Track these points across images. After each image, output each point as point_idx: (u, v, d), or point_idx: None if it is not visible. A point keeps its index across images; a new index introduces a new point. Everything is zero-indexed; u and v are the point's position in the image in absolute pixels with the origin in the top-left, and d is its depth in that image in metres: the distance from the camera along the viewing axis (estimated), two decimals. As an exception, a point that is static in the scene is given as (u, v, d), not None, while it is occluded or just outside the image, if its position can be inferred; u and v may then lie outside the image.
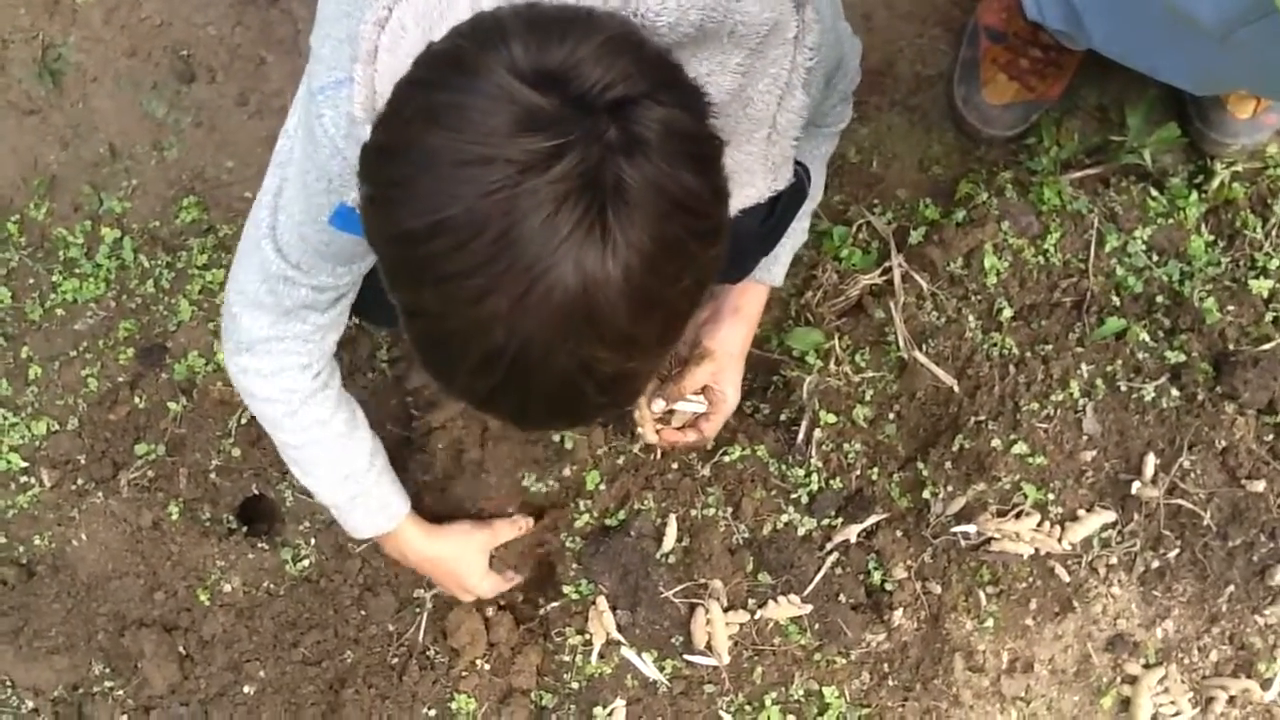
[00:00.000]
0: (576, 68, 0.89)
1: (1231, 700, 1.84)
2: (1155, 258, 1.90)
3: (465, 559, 1.81)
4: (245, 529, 1.94)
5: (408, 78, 0.96)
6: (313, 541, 1.92)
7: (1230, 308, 1.86)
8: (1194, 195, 1.92)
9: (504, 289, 0.88)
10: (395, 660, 1.89)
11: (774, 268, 1.69)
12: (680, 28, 1.08)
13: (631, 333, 0.92)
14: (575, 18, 0.93)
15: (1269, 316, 1.86)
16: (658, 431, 1.71)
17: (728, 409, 1.71)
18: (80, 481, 1.93)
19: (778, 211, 1.43)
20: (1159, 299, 1.88)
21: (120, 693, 1.92)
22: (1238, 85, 1.68)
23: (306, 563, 1.91)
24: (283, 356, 1.48)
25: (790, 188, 1.42)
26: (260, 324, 1.44)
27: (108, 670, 1.92)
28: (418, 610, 1.90)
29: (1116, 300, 1.88)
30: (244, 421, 1.90)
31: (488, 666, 1.89)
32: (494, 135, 0.87)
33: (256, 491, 1.93)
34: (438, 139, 0.89)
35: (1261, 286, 1.87)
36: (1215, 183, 1.92)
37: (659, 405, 1.69)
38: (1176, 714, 1.84)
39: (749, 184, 1.25)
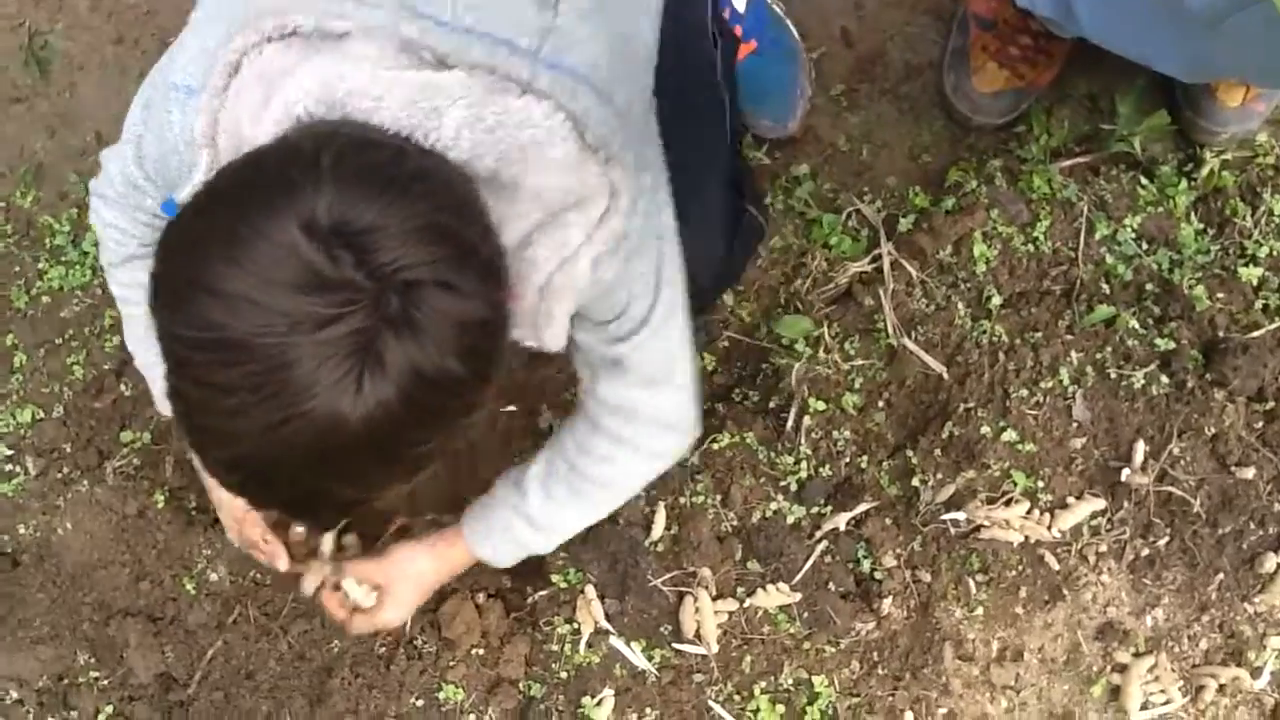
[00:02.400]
0: (378, 241, 0.91)
1: (1221, 689, 1.83)
2: (1145, 246, 1.90)
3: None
4: (232, 518, 1.93)
5: (219, 182, 0.99)
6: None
7: (1220, 295, 1.86)
8: (1183, 183, 1.92)
9: (258, 414, 0.92)
10: (383, 650, 1.88)
11: (474, 525, 1.61)
12: (473, 166, 1.07)
13: (368, 475, 1.00)
14: (399, 180, 0.95)
15: (1258, 304, 1.86)
16: (319, 588, 1.71)
17: (382, 620, 1.68)
18: (66, 470, 1.92)
19: (738, 255, 1.43)
20: (1149, 287, 1.87)
21: (105, 682, 1.91)
22: (1228, 73, 1.68)
23: (293, 552, 1.90)
24: (131, 225, 1.45)
25: (745, 232, 1.44)
26: (121, 167, 1.37)
27: (93, 660, 1.91)
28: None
29: (1106, 288, 1.87)
30: (230, 409, 1.88)
31: (478, 655, 1.88)
32: (274, 286, 0.89)
33: (243, 480, 1.92)
34: (226, 267, 0.91)
35: (1251, 274, 1.87)
36: (1205, 171, 1.92)
37: (328, 568, 1.69)
38: (1166, 702, 1.83)
39: (515, 325, 1.23)
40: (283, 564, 1.72)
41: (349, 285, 0.89)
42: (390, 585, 1.68)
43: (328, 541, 1.72)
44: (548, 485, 1.53)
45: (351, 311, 0.89)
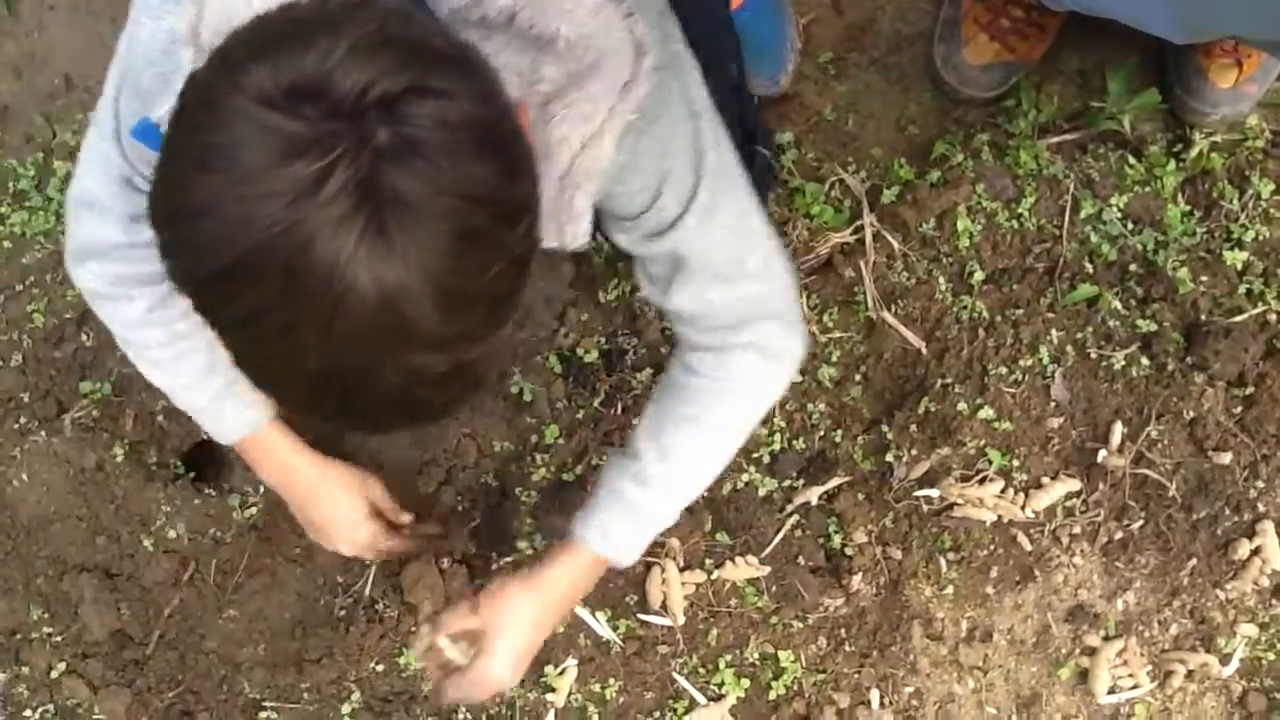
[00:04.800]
0: (329, 75, 0.83)
1: (1190, 674, 1.82)
2: (1130, 226, 1.87)
3: (350, 499, 1.63)
4: (192, 475, 1.89)
5: (175, 113, 0.91)
6: (260, 489, 1.86)
7: (1204, 278, 1.83)
8: (1172, 164, 1.89)
9: (306, 319, 0.85)
10: (342, 612, 1.85)
11: (587, 519, 1.39)
12: (483, 9, 1.00)
13: (450, 332, 0.88)
14: (316, 20, 0.87)
15: (1242, 288, 1.84)
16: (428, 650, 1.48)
17: (473, 676, 1.41)
18: (23, 420, 1.87)
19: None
20: (1132, 267, 1.85)
21: (59, 639, 1.87)
22: (1222, 26, 1.64)
23: (254, 510, 1.86)
24: (140, 264, 1.36)
25: (757, 174, 1.34)
26: (108, 230, 1.34)
27: (46, 615, 1.87)
28: (367, 562, 1.85)
29: (1090, 267, 1.84)
30: (193, 362, 1.84)
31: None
32: (255, 172, 0.82)
33: (205, 437, 1.88)
34: (205, 184, 0.84)
35: (1236, 258, 1.84)
36: (1194, 152, 1.89)
37: (425, 629, 1.47)
38: (1134, 687, 1.81)
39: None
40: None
41: (325, 133, 0.82)
42: (488, 633, 1.41)
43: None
44: (659, 436, 1.34)
45: (339, 156, 0.81)
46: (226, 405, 1.51)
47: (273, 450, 1.58)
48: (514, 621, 1.41)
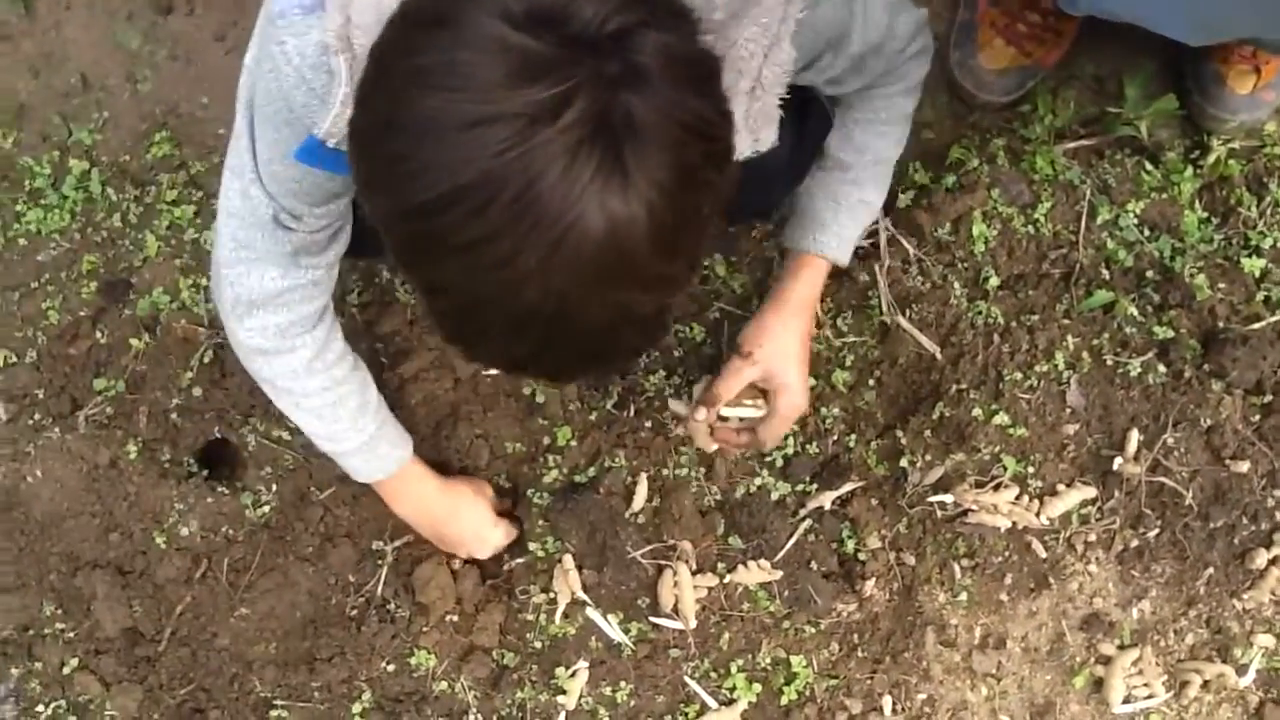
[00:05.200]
0: (570, 4, 0.85)
1: (1206, 685, 1.80)
2: (1147, 232, 1.86)
3: (478, 508, 1.76)
4: (206, 473, 1.89)
5: (383, 42, 0.91)
6: (274, 488, 1.86)
7: (1221, 285, 1.82)
8: (1189, 170, 1.88)
9: (531, 247, 0.84)
10: (354, 612, 1.85)
11: (822, 236, 1.55)
12: None
13: (663, 270, 0.90)
14: None
15: (1260, 295, 1.82)
16: (711, 432, 1.61)
17: (785, 412, 1.56)
18: (37, 416, 1.88)
19: (807, 145, 1.41)
20: (1149, 274, 1.84)
21: (71, 635, 1.87)
22: (1237, 29, 1.63)
23: (267, 509, 1.86)
24: (299, 306, 1.39)
25: (816, 121, 1.40)
26: (270, 276, 1.35)
27: (59, 611, 1.87)
28: (379, 562, 1.85)
29: (1106, 273, 1.84)
30: (206, 361, 1.84)
31: (451, 621, 1.85)
32: (494, 89, 0.82)
33: (219, 435, 1.88)
34: (434, 102, 0.84)
35: (1254, 265, 1.83)
36: (1211, 158, 1.88)
37: (701, 413, 1.56)
38: (1149, 697, 1.80)
39: None
40: (707, 446, 1.66)
41: (565, 59, 0.82)
42: (775, 371, 1.54)
43: (680, 405, 1.66)
44: (854, 142, 1.48)
45: (578, 84, 0.82)
46: (379, 445, 1.59)
47: (411, 482, 1.67)
48: (791, 348, 1.55)
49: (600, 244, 0.84)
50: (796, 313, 1.56)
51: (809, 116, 1.45)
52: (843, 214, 1.55)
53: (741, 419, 1.58)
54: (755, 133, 1.16)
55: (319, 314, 1.44)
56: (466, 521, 1.75)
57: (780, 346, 1.55)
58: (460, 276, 0.89)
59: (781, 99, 1.17)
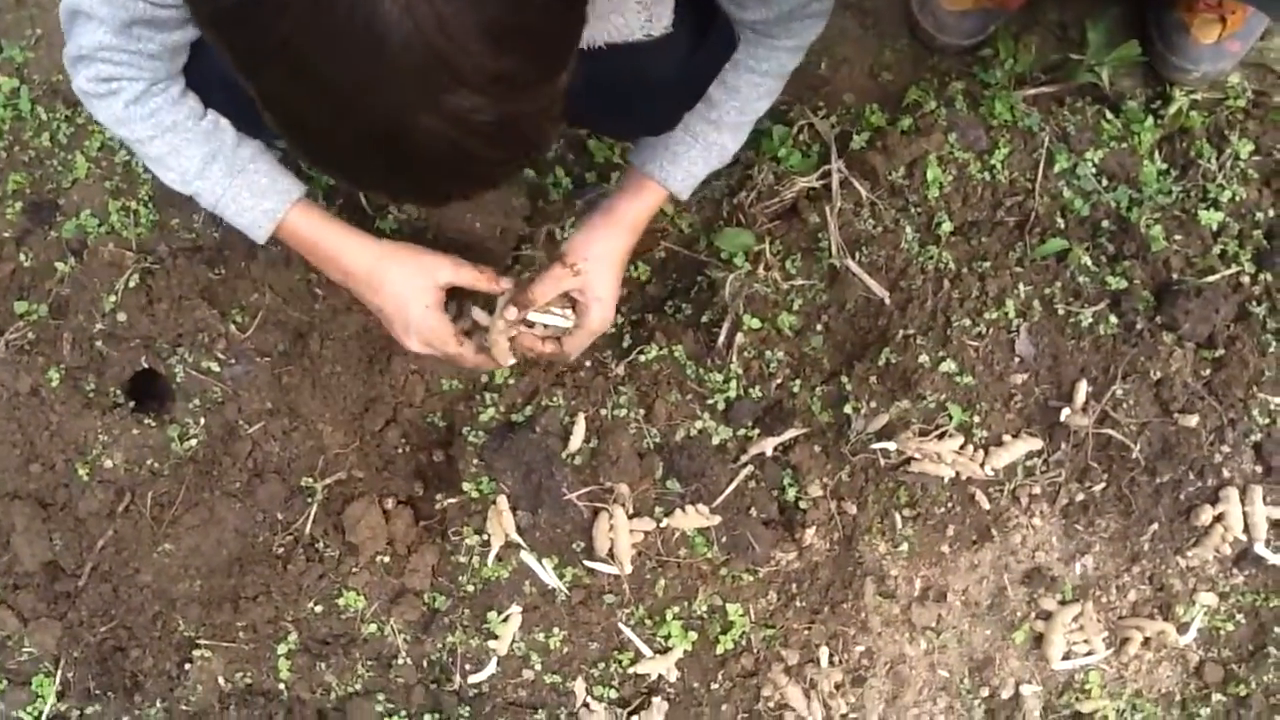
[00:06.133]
0: None
1: (1146, 642, 1.78)
2: (1105, 182, 1.82)
3: (411, 280, 1.51)
4: (132, 404, 1.83)
5: None
6: (202, 421, 1.81)
7: (1177, 237, 1.79)
8: (1150, 120, 1.84)
9: (337, 54, 0.80)
10: (281, 550, 1.80)
11: (669, 166, 1.53)
12: None
13: (496, 69, 0.84)
14: None
15: (1216, 249, 1.79)
16: (512, 339, 1.56)
17: (594, 325, 1.56)
18: (-44, 341, 1.81)
19: (697, 57, 1.34)
20: (1105, 224, 1.80)
21: (-12, 568, 1.81)
22: None
23: (194, 442, 1.80)
24: (122, 67, 1.35)
25: (720, 37, 1.33)
26: (99, 33, 1.31)
27: (-24, 543, 1.81)
28: (309, 500, 1.80)
29: (1061, 222, 1.80)
30: (131, 285, 1.78)
31: (382, 562, 1.80)
32: None
33: (146, 365, 1.82)
34: None
35: (1211, 218, 1.80)
36: (1173, 109, 1.84)
37: (512, 313, 1.53)
38: (1089, 653, 1.77)
39: (617, 11, 1.16)
40: (503, 356, 1.57)
41: None
42: (590, 283, 1.53)
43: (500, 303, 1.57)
44: (728, 81, 1.45)
45: None
46: (241, 193, 1.45)
47: (319, 236, 1.50)
48: (612, 264, 1.54)
49: (409, 43, 0.80)
50: (625, 232, 1.56)
51: (711, 33, 1.41)
52: (695, 150, 1.52)
53: (547, 326, 1.56)
54: (647, 9, 1.13)
55: (152, 83, 1.38)
56: (391, 291, 1.52)
57: (603, 261, 1.54)
58: (280, 93, 0.86)
59: None
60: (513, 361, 1.59)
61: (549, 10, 0.87)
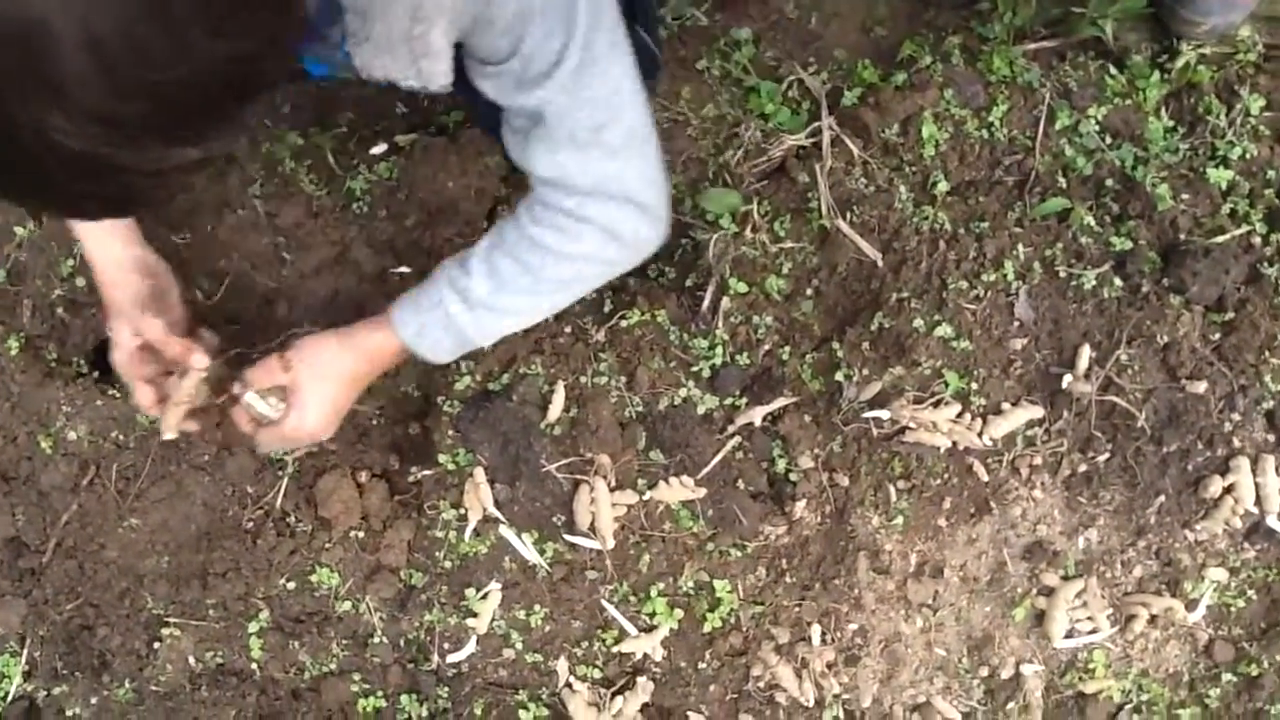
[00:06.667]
0: None
1: (1153, 620, 1.70)
2: (1109, 139, 1.74)
3: (106, 278, 1.47)
4: (95, 374, 1.76)
5: None
6: (170, 392, 1.74)
7: (1185, 196, 1.71)
8: (1156, 75, 1.76)
9: None
10: (251, 524, 1.73)
11: (408, 315, 1.37)
12: None
13: (94, 100, 0.76)
14: None
15: (1225, 208, 1.71)
16: (223, 406, 1.47)
17: (286, 430, 1.44)
18: (-87, 310, 1.75)
19: None
20: (1109, 183, 1.72)
21: (-50, 544, 1.75)
22: None
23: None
24: None
25: None
26: None
27: (-63, 519, 1.75)
28: (279, 473, 1.73)
29: (1063, 181, 1.72)
30: (93, 249, 1.71)
31: (357, 538, 1.73)
32: None
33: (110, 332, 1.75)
34: None
35: (1220, 176, 1.72)
36: (1180, 63, 1.76)
37: (204, 362, 1.44)
38: (1093, 631, 1.70)
39: (387, 54, 1.10)
40: (167, 428, 1.47)
41: None
42: (298, 385, 1.43)
43: (191, 375, 1.45)
44: (492, 258, 1.33)
45: None
46: None
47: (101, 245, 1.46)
48: (326, 374, 1.44)
49: (8, 31, 0.72)
50: (354, 355, 1.44)
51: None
52: (436, 315, 1.37)
53: (253, 410, 1.46)
54: (416, 62, 1.07)
55: None
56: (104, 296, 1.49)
57: (319, 371, 1.43)
58: None
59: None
60: (171, 436, 1.50)
61: (184, 84, 0.78)
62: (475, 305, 1.35)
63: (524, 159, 1.26)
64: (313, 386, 1.43)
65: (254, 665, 1.76)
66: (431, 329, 1.38)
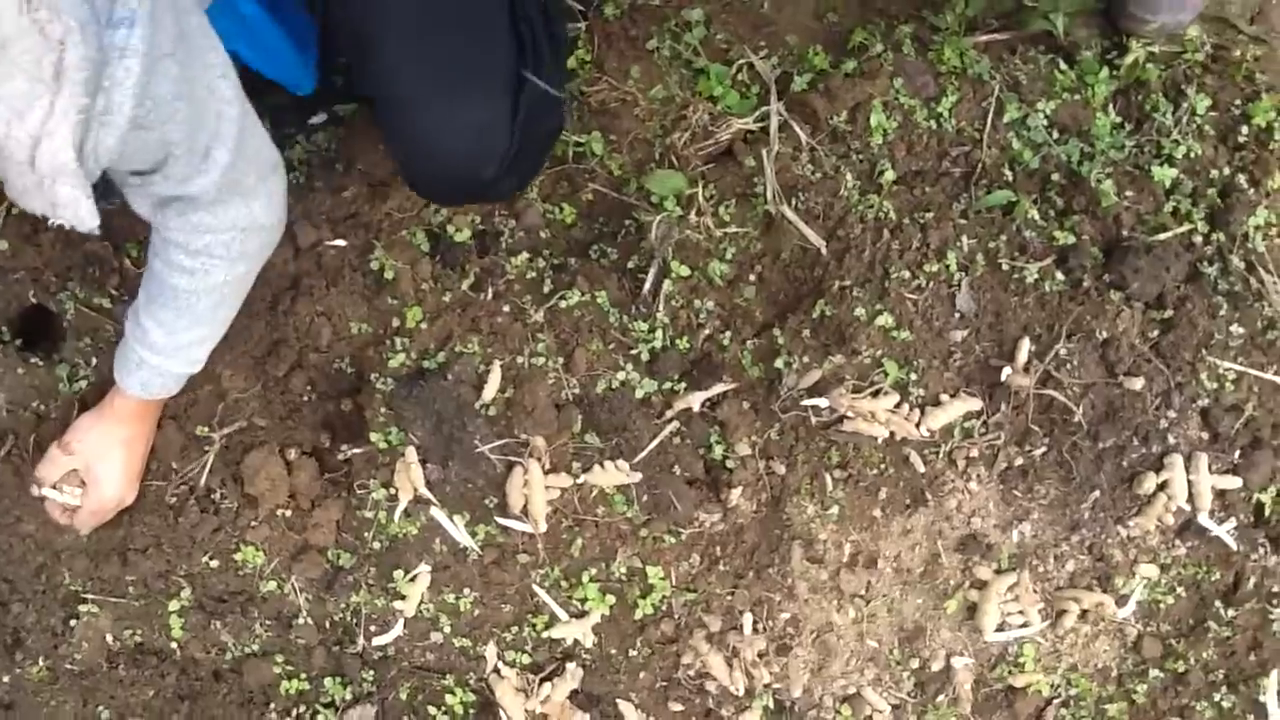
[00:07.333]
0: None
1: (1083, 615, 1.71)
2: (1056, 134, 1.74)
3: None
4: (19, 341, 1.70)
5: None
6: (94, 361, 1.69)
7: (1129, 193, 1.71)
8: (1105, 72, 1.76)
9: None
10: (173, 500, 1.68)
11: (120, 367, 1.51)
12: None
13: None
14: None
15: (1169, 206, 1.71)
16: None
17: (93, 506, 1.59)
18: None
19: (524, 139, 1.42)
20: (1054, 177, 1.71)
21: None
22: None
23: (84, 384, 1.68)
24: None
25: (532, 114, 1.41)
26: None
27: None
28: (205, 449, 1.69)
29: (1009, 174, 1.71)
30: (15, 211, 1.65)
31: (283, 516, 1.69)
32: None
33: (35, 300, 1.70)
34: None
35: (1165, 174, 1.72)
36: (1129, 60, 1.76)
37: (33, 490, 1.60)
38: (1024, 625, 1.70)
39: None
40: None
41: None
42: (87, 466, 1.57)
43: None
44: (154, 312, 1.43)
45: None
46: None
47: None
48: (104, 446, 1.58)
49: None
50: (120, 420, 1.58)
51: (518, 100, 1.39)
52: (148, 372, 1.49)
53: (57, 503, 1.60)
54: (51, 196, 1.01)
55: None
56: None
57: (97, 446, 1.58)
58: None
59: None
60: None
61: None
62: (164, 350, 1.46)
63: (152, 216, 1.31)
64: (99, 463, 1.57)
65: (174, 645, 1.72)
66: (149, 380, 1.50)
